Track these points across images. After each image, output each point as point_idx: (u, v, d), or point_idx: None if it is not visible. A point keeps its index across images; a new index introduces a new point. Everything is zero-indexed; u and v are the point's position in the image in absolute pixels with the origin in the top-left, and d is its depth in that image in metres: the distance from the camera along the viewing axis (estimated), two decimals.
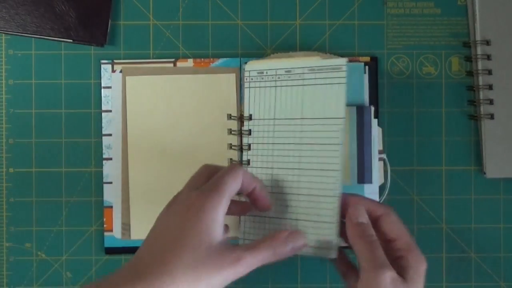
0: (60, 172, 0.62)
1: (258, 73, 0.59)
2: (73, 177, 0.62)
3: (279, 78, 0.58)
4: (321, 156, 0.54)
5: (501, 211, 0.62)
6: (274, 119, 0.57)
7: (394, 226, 0.51)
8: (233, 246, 0.47)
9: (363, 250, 0.48)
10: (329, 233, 0.52)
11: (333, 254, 0.52)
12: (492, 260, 0.62)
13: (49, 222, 0.62)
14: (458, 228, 0.62)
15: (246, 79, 0.59)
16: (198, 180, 0.50)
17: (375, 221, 0.51)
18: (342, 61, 0.54)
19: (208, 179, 0.49)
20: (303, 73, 0.56)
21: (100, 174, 0.62)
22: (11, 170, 0.62)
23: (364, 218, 0.50)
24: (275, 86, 0.58)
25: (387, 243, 0.50)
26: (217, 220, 0.46)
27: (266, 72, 0.58)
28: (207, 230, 0.46)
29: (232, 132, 0.60)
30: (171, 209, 0.48)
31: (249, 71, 0.59)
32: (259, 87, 0.58)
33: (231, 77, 0.61)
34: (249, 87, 0.59)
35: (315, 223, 0.53)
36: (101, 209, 0.61)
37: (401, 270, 0.48)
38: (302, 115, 0.56)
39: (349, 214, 0.51)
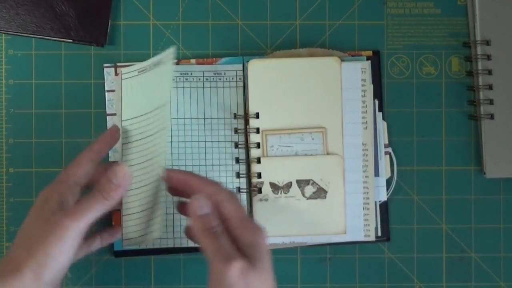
0: (60, 172, 0.62)
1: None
2: None
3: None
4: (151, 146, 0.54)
5: (501, 211, 0.62)
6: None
7: (228, 205, 0.48)
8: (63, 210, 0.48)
9: (207, 243, 0.46)
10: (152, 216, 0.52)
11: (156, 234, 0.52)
12: (492, 260, 0.62)
13: None
14: (458, 228, 0.62)
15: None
16: None
17: (217, 205, 0.48)
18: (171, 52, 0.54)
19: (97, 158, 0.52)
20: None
21: None
22: (11, 170, 0.62)
23: (206, 208, 0.48)
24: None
25: (226, 224, 0.48)
26: (55, 204, 0.48)
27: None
28: (43, 211, 0.48)
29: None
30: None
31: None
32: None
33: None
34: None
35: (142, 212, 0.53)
36: None
37: (245, 251, 0.46)
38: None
39: (191, 207, 0.48)
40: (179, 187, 0.51)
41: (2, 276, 0.46)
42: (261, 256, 0.46)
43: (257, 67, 0.60)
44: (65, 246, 0.47)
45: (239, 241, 0.47)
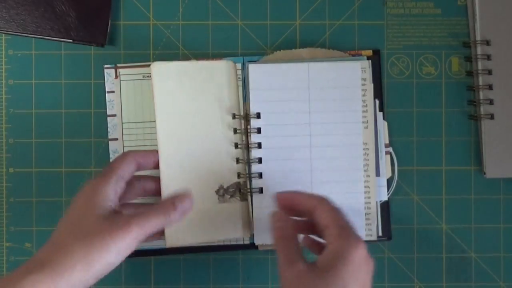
0: (60, 172, 0.62)
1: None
2: (73, 177, 0.62)
3: None
4: None
5: (501, 211, 0.62)
6: None
7: (325, 214, 0.49)
8: (124, 215, 0.49)
9: (279, 248, 0.49)
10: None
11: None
12: (492, 260, 0.62)
13: (49, 222, 0.62)
14: (458, 228, 0.62)
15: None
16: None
17: (311, 213, 0.50)
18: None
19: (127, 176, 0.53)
20: None
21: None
22: (11, 170, 0.62)
23: (282, 221, 0.51)
24: None
25: (322, 232, 0.49)
26: (106, 196, 0.50)
27: None
28: (96, 205, 0.49)
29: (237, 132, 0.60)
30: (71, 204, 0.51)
31: None
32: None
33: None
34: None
35: None
36: None
37: (323, 257, 0.47)
38: None
39: (271, 220, 0.52)
40: (287, 205, 0.53)
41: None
42: (337, 265, 0.46)
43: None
44: (117, 250, 0.48)
45: (326, 247, 0.48)
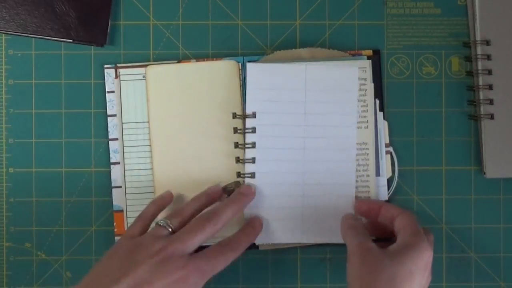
0: (60, 172, 0.62)
1: None
2: (73, 177, 0.62)
3: None
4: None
5: (501, 211, 0.62)
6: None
7: (407, 219, 0.54)
8: None
9: (351, 234, 0.54)
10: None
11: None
12: (492, 260, 0.62)
13: (49, 222, 0.62)
14: (458, 228, 0.62)
15: None
16: (145, 221, 0.56)
17: (391, 219, 0.55)
18: None
19: (154, 217, 0.56)
20: None
21: (100, 175, 0.62)
22: (11, 170, 0.62)
23: (354, 219, 0.56)
24: None
25: (396, 233, 0.54)
26: None
27: None
28: None
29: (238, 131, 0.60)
30: (111, 254, 0.53)
31: None
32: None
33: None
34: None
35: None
36: (101, 209, 0.61)
37: (393, 246, 0.52)
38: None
39: (342, 219, 0.57)
40: (364, 211, 0.59)
41: None
42: (406, 252, 0.51)
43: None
44: None
45: (397, 240, 0.53)
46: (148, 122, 0.61)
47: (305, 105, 0.60)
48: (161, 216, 0.57)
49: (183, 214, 0.55)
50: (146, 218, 0.56)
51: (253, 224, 0.58)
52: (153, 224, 0.56)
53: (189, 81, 0.60)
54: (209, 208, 0.56)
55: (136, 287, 0.48)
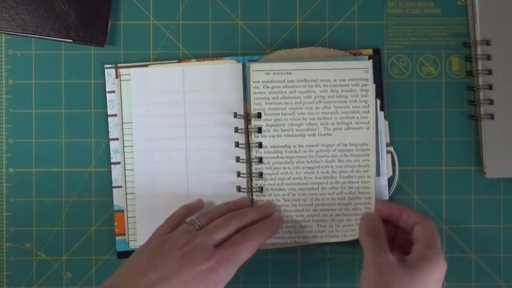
0: (60, 172, 0.62)
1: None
2: (73, 177, 0.62)
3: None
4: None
5: (501, 211, 0.62)
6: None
7: (427, 228, 0.54)
8: None
9: (369, 239, 0.53)
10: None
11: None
12: (492, 260, 0.62)
13: (49, 222, 0.62)
14: (458, 228, 0.62)
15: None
16: (174, 221, 0.56)
17: (412, 225, 0.55)
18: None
19: (183, 219, 0.56)
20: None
21: (101, 174, 0.62)
22: (11, 170, 0.62)
23: (374, 220, 0.56)
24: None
25: (414, 241, 0.54)
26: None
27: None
28: None
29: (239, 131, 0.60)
30: (140, 250, 0.54)
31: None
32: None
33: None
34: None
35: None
36: (101, 209, 0.62)
37: (411, 256, 0.52)
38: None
39: (362, 219, 0.57)
40: (385, 214, 0.58)
41: None
42: (422, 266, 0.51)
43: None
44: None
45: (413, 250, 0.53)
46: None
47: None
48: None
49: (210, 213, 0.56)
50: (175, 218, 0.57)
51: (273, 216, 0.59)
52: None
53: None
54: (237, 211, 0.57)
55: (164, 280, 0.49)
